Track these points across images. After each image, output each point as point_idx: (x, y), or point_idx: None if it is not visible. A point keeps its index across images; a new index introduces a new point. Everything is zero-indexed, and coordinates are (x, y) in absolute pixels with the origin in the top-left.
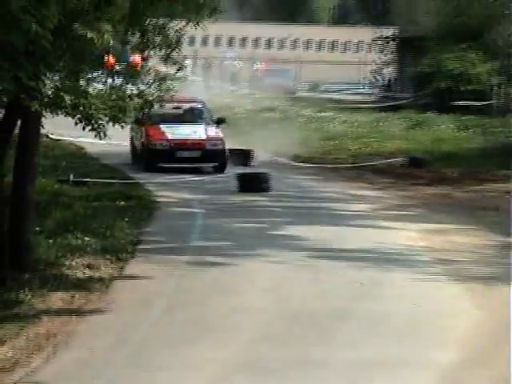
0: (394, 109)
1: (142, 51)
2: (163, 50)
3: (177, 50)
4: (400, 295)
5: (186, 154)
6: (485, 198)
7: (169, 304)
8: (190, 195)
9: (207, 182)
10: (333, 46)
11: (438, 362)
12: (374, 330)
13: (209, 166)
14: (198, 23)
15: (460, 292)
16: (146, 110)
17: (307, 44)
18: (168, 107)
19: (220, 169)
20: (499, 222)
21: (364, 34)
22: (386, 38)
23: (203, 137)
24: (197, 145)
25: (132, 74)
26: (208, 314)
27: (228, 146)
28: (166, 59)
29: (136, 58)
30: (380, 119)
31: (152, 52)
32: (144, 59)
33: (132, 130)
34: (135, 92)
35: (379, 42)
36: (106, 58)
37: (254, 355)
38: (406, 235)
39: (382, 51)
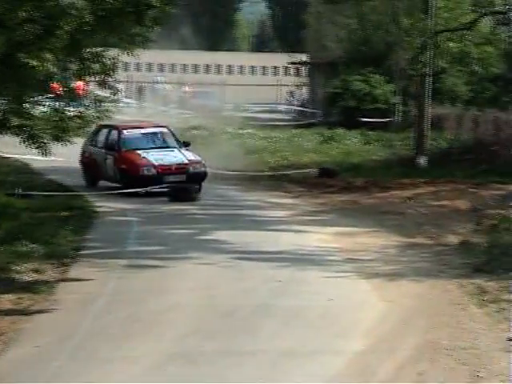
0: (308, 126)
1: (80, 77)
2: (100, 76)
3: (112, 75)
4: (315, 291)
5: (172, 178)
6: (388, 203)
7: (108, 303)
8: (126, 205)
9: (141, 194)
10: (252, 70)
11: (348, 349)
12: (292, 323)
13: (192, 187)
14: (131, 52)
15: (367, 287)
16: (116, 136)
17: (230, 69)
18: (136, 133)
19: (199, 189)
20: (400, 224)
21: (280, 59)
22: (299, 63)
23: (186, 161)
24: (181, 169)
25: (72, 97)
26: (144, 312)
27: None
28: (103, 84)
29: (80, 83)
30: (295, 135)
31: (90, 77)
32: (86, 84)
33: (83, 151)
34: (75, 113)
35: (293, 67)
36: (50, 83)
37: (186, 348)
38: (320, 238)
39: (296, 75)
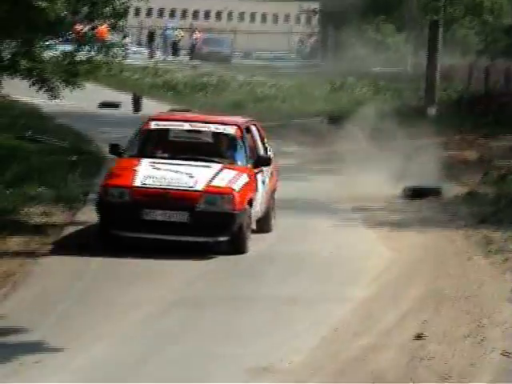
0: (318, 74)
1: (91, 21)
2: (110, 20)
3: (123, 20)
4: (321, 239)
5: (160, 215)
6: (396, 153)
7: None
8: None
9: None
10: (264, 18)
11: (353, 297)
12: (298, 270)
13: (204, 240)
14: None
15: (374, 236)
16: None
17: (241, 16)
18: (170, 129)
19: (234, 247)
20: (409, 174)
21: (292, 7)
22: (311, 11)
23: (200, 186)
24: (182, 200)
25: (83, 41)
26: (153, 256)
27: (167, 107)
28: (113, 28)
29: (103, 28)
30: (305, 83)
31: (100, 22)
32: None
33: None
34: (84, 58)
35: (305, 15)
36: (73, 26)
37: (192, 293)
38: (326, 186)
39: (307, 23)
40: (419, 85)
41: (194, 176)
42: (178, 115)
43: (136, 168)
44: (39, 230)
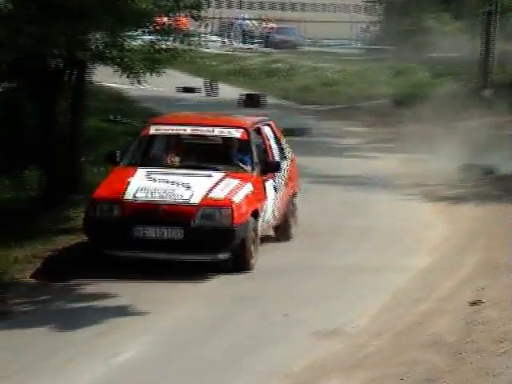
0: (380, 60)
1: (176, 12)
2: (191, 11)
3: (202, 10)
4: (383, 213)
5: (151, 232)
6: (453, 133)
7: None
8: None
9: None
10: (333, 8)
11: (412, 266)
12: (361, 241)
13: (201, 259)
14: None
15: (433, 210)
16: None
17: (311, 6)
18: (173, 134)
19: (236, 264)
20: (465, 152)
21: None
22: (374, 1)
23: (196, 199)
24: (176, 215)
25: (165, 31)
26: None
27: (241, 91)
28: (193, 18)
29: (183, 19)
30: (368, 69)
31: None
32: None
33: None
34: (164, 47)
35: (369, 4)
36: (154, 17)
37: (263, 264)
38: (388, 164)
39: (368, 12)
40: (476, 70)
41: (190, 187)
42: (181, 118)
43: (129, 179)
44: None
